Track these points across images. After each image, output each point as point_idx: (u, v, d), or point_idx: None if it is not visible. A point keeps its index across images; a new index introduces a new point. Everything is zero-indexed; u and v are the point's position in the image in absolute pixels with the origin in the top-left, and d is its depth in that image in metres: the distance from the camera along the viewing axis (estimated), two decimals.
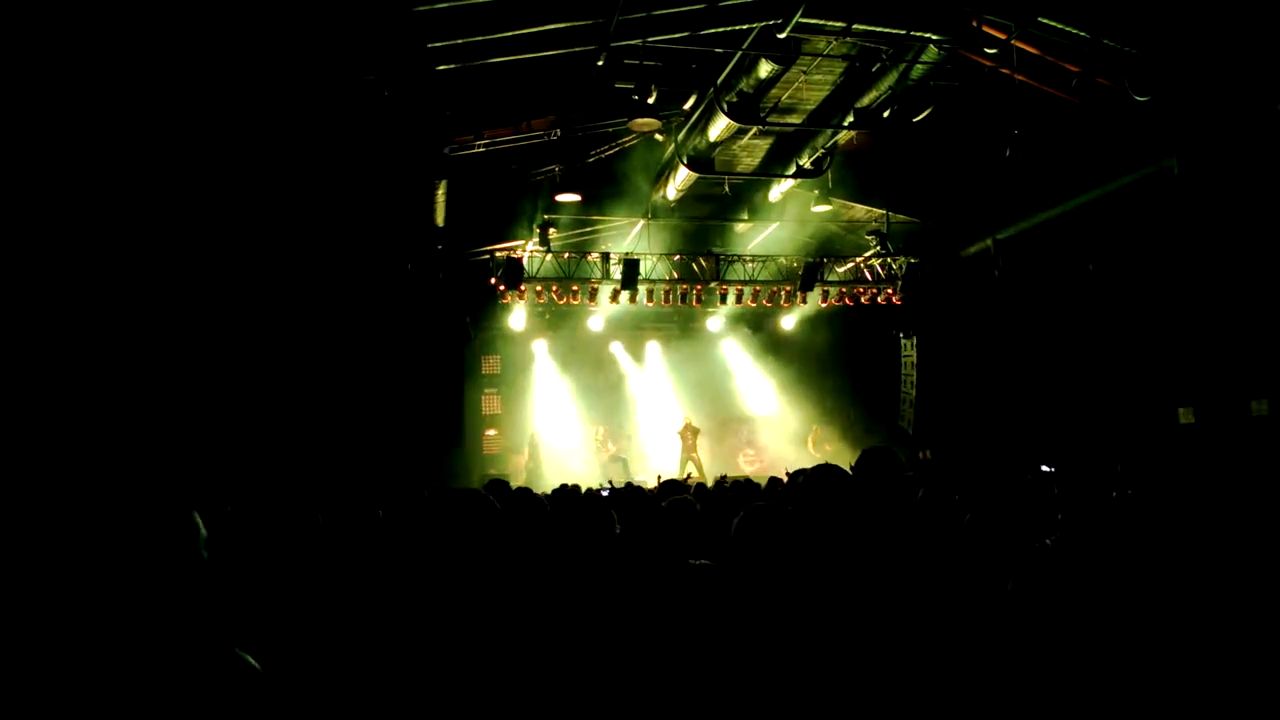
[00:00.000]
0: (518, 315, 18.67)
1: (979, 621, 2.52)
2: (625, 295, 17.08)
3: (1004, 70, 11.27)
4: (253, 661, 1.84)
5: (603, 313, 18.94)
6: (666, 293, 17.69)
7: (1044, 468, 9.65)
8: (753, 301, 18.31)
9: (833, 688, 2.43)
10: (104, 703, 1.67)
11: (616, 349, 21.11)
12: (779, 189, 15.79)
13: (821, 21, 10.30)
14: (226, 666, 1.80)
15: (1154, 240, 13.35)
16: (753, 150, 15.39)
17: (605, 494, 7.15)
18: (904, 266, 18.37)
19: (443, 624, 2.11)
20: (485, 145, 13.45)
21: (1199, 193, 12.15)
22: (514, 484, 7.40)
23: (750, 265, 18.26)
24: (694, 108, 13.19)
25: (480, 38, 9.87)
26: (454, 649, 2.08)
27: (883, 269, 18.51)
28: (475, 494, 2.31)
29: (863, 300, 18.48)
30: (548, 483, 17.39)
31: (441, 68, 10.19)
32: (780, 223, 17.47)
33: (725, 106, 12.19)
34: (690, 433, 19.63)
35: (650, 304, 17.79)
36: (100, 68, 8.46)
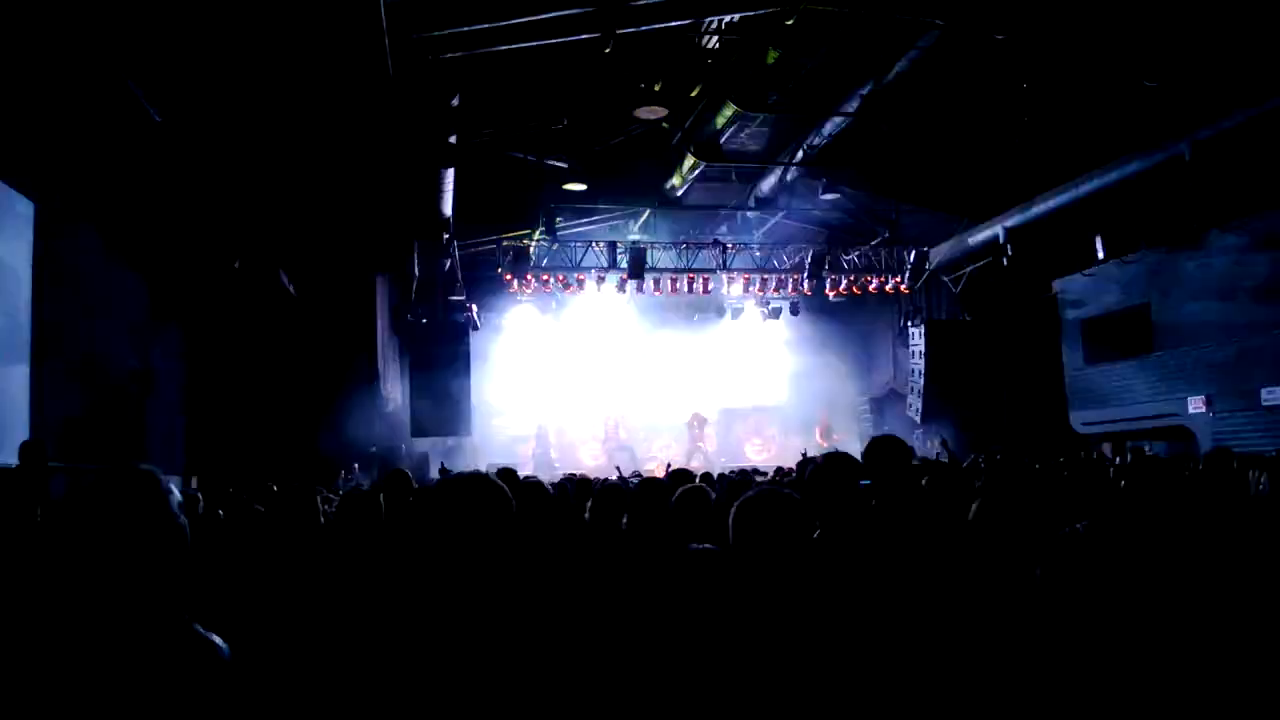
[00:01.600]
0: (524, 304, 18.66)
1: (998, 607, 2.50)
2: (632, 284, 17.05)
3: (1014, 55, 11.22)
4: (218, 640, 1.84)
5: (609, 301, 18.92)
6: (673, 281, 17.65)
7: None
8: (760, 290, 18.26)
9: (842, 672, 2.42)
10: (68, 676, 1.67)
11: (623, 338, 21.06)
12: (786, 176, 15.75)
13: (828, 8, 10.25)
14: (184, 643, 1.80)
15: (1165, 226, 13.29)
16: (759, 137, 15.33)
17: (613, 483, 7.13)
18: (911, 254, 18.32)
19: (445, 609, 2.10)
20: (491, 134, 13.43)
21: (1210, 178, 12.09)
22: (521, 473, 7.38)
23: (757, 253, 18.21)
24: (700, 96, 13.15)
25: (485, 25, 9.84)
26: (456, 634, 2.08)
27: (890, 257, 18.45)
28: (483, 478, 2.30)
29: (870, 289, 18.42)
30: (555, 471, 17.41)
31: (447, 56, 10.17)
32: (787, 210, 17.41)
33: (732, 94, 12.15)
34: (697, 422, 19.62)
35: (657, 293, 17.75)
36: (103, 59, 8.46)
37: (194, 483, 10.31)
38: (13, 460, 8.08)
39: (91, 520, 1.81)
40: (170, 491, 1.91)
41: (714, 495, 3.74)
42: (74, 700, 1.67)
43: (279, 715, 2.24)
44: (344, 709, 2.06)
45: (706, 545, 2.60)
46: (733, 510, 2.70)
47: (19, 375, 9.92)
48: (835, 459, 3.13)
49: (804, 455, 9.71)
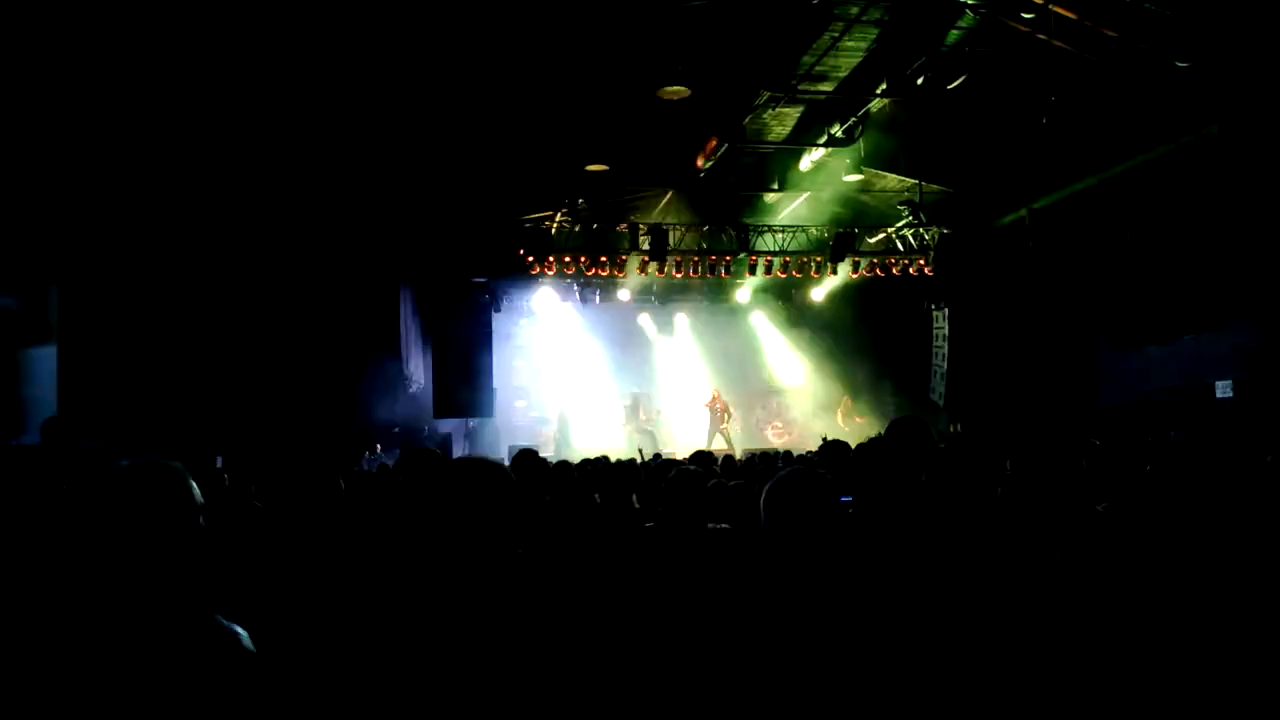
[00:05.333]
0: (546, 286, 18.65)
1: (1023, 586, 2.48)
2: (653, 266, 17.03)
3: (1040, 36, 11.06)
4: (240, 631, 1.85)
5: (631, 284, 18.90)
6: (695, 263, 17.59)
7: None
8: (782, 272, 18.18)
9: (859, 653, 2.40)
10: (91, 669, 1.68)
11: (644, 320, 21.04)
12: (810, 158, 15.58)
13: None
14: (211, 635, 1.81)
15: (1194, 209, 13.10)
16: (783, 119, 15.17)
17: (638, 464, 7.15)
18: (936, 237, 18.15)
19: (463, 589, 2.10)
20: (515, 115, 13.37)
21: (1241, 160, 11.88)
22: (542, 455, 7.39)
23: (780, 236, 18.10)
24: (725, 76, 13.03)
25: None
26: (474, 610, 2.08)
27: (914, 239, 18.29)
28: (488, 464, 2.31)
29: (894, 271, 18.28)
30: (576, 453, 17.43)
31: None
32: (810, 192, 17.25)
33: (757, 75, 12.04)
34: (719, 406, 19.55)
35: (678, 275, 17.70)
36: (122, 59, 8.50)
37: (219, 461, 10.39)
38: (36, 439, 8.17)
39: (115, 513, 1.82)
40: (193, 487, 1.92)
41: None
42: (98, 694, 1.68)
43: (301, 704, 2.25)
44: (361, 692, 2.07)
45: (723, 525, 2.59)
46: (765, 491, 2.68)
47: (48, 354, 10.03)
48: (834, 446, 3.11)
49: (824, 439, 9.68)
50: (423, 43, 10.14)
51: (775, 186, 17.43)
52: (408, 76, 10.67)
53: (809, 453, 11.28)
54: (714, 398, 19.63)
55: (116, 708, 1.68)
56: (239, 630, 1.86)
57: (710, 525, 2.79)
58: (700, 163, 15.38)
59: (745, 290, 20.34)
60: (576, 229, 17.07)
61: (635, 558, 3.10)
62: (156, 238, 11.63)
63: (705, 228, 17.72)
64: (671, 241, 17.00)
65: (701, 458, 7.43)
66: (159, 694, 1.70)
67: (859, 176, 15.84)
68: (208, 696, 1.75)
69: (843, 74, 13.33)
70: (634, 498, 4.85)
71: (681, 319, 21.25)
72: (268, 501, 4.75)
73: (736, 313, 21.17)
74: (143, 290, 11.58)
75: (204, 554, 1.90)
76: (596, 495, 4.64)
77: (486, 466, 2.28)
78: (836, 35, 11.92)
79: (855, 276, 18.35)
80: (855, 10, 11.18)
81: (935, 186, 16.98)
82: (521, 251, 16.91)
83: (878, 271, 18.27)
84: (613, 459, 8.67)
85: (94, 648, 1.71)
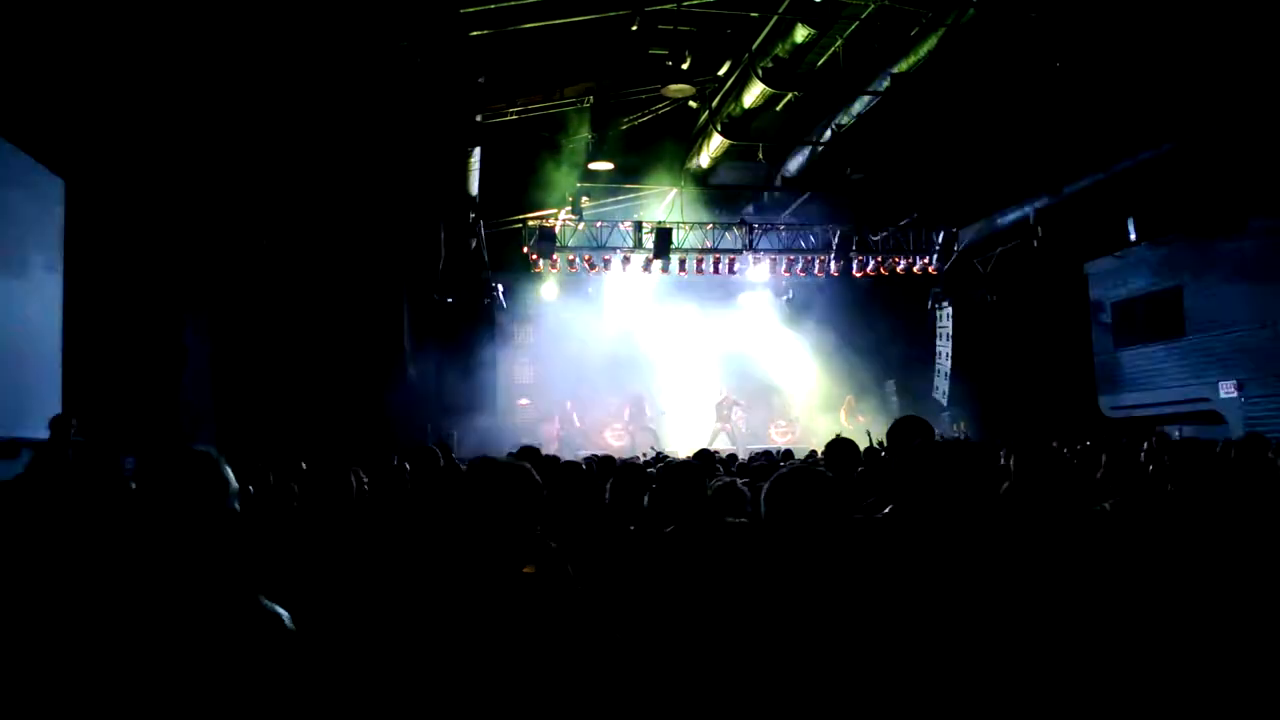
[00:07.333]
0: (550, 284, 18.65)
1: (1028, 582, 2.48)
2: (658, 264, 17.01)
3: (1046, 31, 11.04)
4: (281, 611, 1.88)
5: (635, 282, 18.85)
6: (699, 262, 17.57)
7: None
8: (786, 270, 18.16)
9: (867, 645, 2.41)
10: (133, 651, 1.70)
11: (649, 318, 20.96)
12: (814, 156, 15.58)
13: None
14: (253, 615, 1.84)
15: (1198, 207, 13.10)
16: (788, 116, 15.16)
17: (642, 462, 7.16)
18: (940, 235, 18.12)
19: (473, 579, 2.11)
20: (518, 113, 13.39)
21: (1246, 160, 11.88)
22: (544, 453, 7.38)
23: (784, 233, 18.07)
24: (728, 74, 13.04)
25: (513, 2, 9.80)
26: (485, 596, 2.09)
27: (918, 238, 18.26)
28: (513, 466, 2.33)
29: (898, 269, 18.26)
30: (577, 452, 17.41)
31: (474, 34, 10.13)
32: (815, 190, 17.24)
33: (760, 72, 12.03)
34: (727, 405, 19.48)
35: (683, 273, 17.68)
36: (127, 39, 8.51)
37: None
38: (43, 434, 8.24)
39: (158, 499, 1.85)
40: (227, 472, 1.94)
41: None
42: (152, 671, 1.71)
43: (330, 685, 2.28)
44: (375, 683, 2.08)
45: (741, 519, 2.60)
46: (765, 487, 2.69)
47: (51, 352, 10.05)
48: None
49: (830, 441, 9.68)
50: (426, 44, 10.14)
51: (779, 184, 17.42)
52: (409, 76, 10.67)
53: (812, 451, 11.30)
54: (724, 398, 19.57)
55: (163, 686, 1.71)
56: (280, 611, 1.89)
57: (729, 520, 2.83)
58: (704, 161, 15.37)
59: (749, 288, 20.29)
60: (581, 227, 17.06)
61: (650, 556, 3.12)
62: (158, 229, 11.63)
63: (709, 225, 17.70)
64: (675, 240, 16.98)
65: (705, 456, 7.44)
66: (204, 672, 1.73)
67: (862, 175, 15.82)
68: (252, 675, 1.78)
69: (847, 71, 13.31)
70: (645, 498, 4.84)
71: (685, 317, 21.13)
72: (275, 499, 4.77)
73: (740, 311, 21.11)
74: (146, 287, 11.59)
75: (242, 537, 1.93)
76: (604, 493, 4.64)
77: (508, 469, 2.31)
78: (841, 33, 11.90)
79: (859, 274, 18.33)
80: (860, 7, 11.16)
81: (939, 184, 16.95)
82: (526, 249, 16.93)
83: (881, 270, 18.26)
84: (616, 458, 8.67)
85: (139, 629, 1.73)
